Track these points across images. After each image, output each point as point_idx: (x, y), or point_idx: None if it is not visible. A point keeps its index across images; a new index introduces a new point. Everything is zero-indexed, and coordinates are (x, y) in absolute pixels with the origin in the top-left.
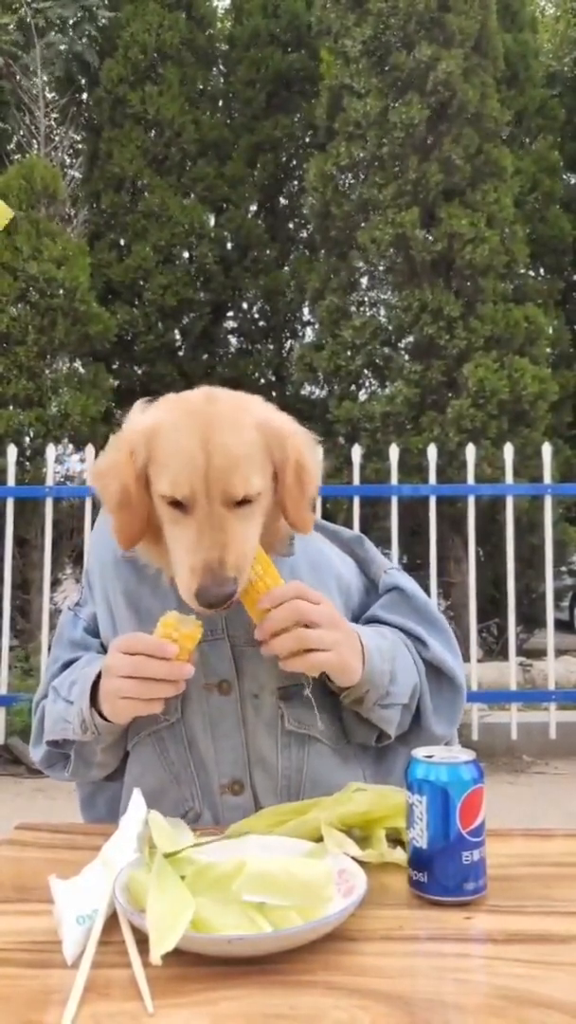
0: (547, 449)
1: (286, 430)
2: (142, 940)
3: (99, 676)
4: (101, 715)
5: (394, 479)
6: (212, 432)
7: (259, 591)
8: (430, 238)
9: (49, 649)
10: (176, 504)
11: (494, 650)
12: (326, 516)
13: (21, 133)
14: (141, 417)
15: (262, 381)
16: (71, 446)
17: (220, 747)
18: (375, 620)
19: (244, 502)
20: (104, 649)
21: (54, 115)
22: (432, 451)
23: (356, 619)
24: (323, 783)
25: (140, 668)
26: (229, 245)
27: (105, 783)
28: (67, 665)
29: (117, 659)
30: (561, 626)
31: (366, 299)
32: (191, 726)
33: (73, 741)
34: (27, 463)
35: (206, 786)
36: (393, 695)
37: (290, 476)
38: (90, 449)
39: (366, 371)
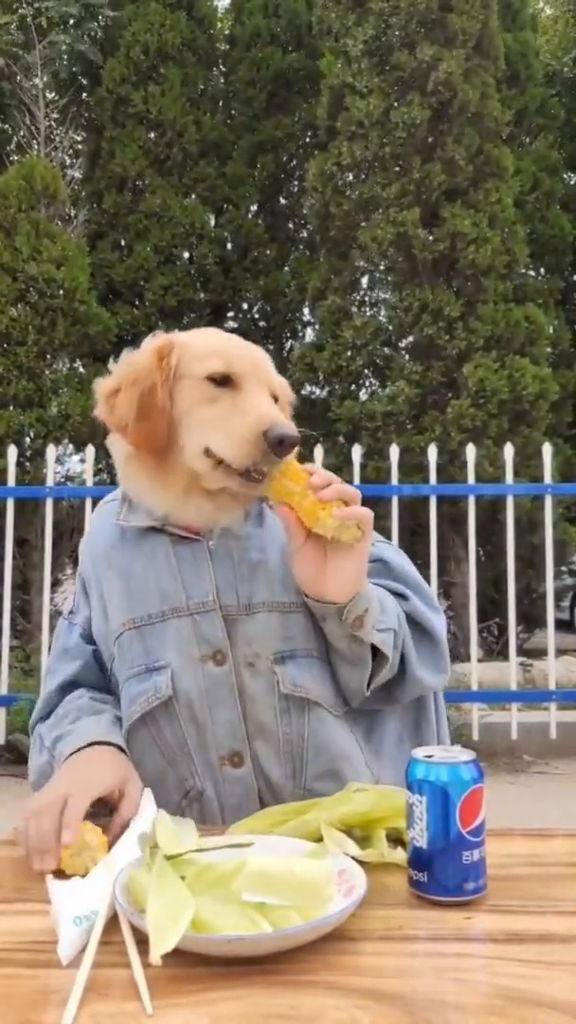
0: (547, 449)
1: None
2: (142, 940)
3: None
4: None
5: (394, 479)
6: (246, 345)
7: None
8: (431, 238)
9: (50, 650)
10: (222, 382)
11: (494, 650)
12: None
13: (21, 133)
14: (154, 340)
15: None
16: (71, 447)
17: (217, 719)
18: None
19: (274, 399)
20: (99, 660)
21: (54, 115)
22: (432, 451)
23: None
24: (326, 749)
25: (33, 850)
26: (229, 245)
27: None
28: (63, 688)
29: (39, 823)
30: (561, 626)
31: (367, 299)
32: (185, 701)
33: None
34: (27, 463)
35: (205, 761)
36: (385, 621)
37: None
38: (90, 449)
39: (367, 371)
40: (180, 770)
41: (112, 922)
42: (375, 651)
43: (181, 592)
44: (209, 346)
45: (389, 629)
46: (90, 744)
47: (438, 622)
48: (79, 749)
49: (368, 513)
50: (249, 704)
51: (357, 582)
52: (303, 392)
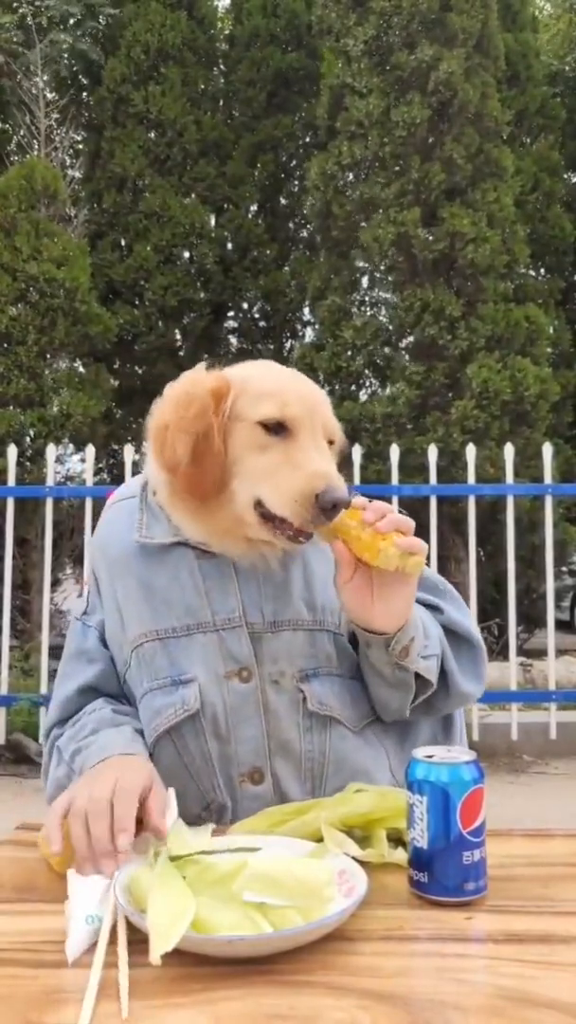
0: (548, 449)
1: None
2: (138, 941)
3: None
4: None
5: (395, 479)
6: (306, 383)
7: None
8: (431, 238)
9: (51, 649)
10: (276, 430)
11: (495, 650)
12: None
13: (22, 133)
14: (207, 375)
15: None
16: (71, 446)
17: (241, 736)
18: None
19: (330, 442)
20: (112, 662)
21: (55, 115)
22: (432, 451)
23: None
24: (346, 765)
25: (100, 852)
26: (230, 245)
27: None
28: (82, 692)
29: (97, 823)
30: (561, 626)
31: (367, 299)
32: (211, 716)
33: None
34: (27, 463)
35: (227, 777)
36: (430, 647)
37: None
38: (90, 449)
39: (367, 371)
40: (202, 784)
41: (118, 922)
42: (417, 675)
43: (207, 608)
44: (264, 387)
45: (433, 655)
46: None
47: (474, 627)
48: (103, 760)
49: (424, 543)
50: (273, 721)
51: (405, 613)
52: None
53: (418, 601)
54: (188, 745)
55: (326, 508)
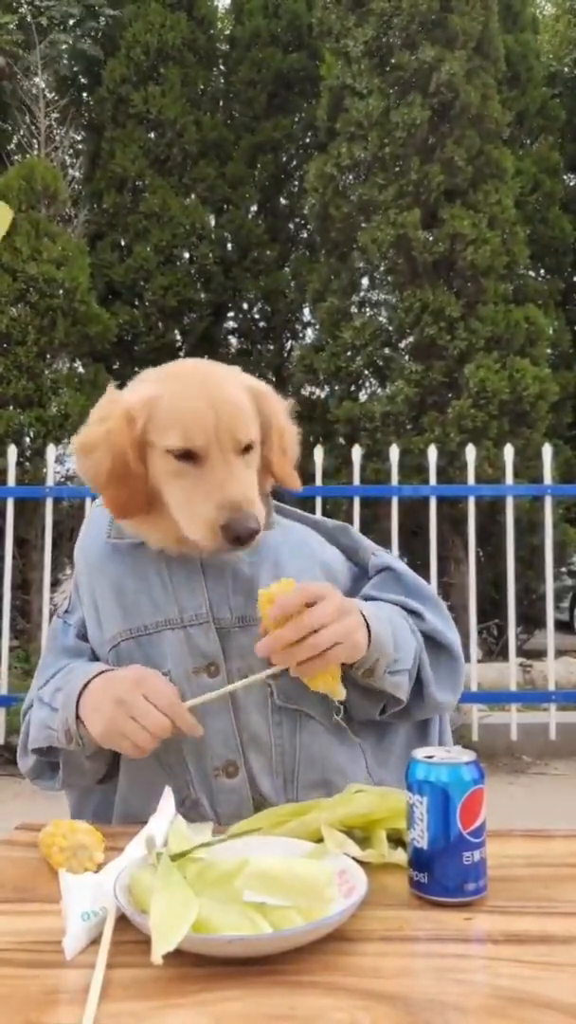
0: (547, 450)
1: (268, 393)
2: (138, 941)
3: (85, 685)
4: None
5: (394, 480)
6: (213, 388)
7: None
8: (431, 239)
9: None
10: (185, 457)
11: (494, 651)
12: (326, 516)
13: (22, 133)
14: (127, 392)
15: (263, 382)
16: (71, 447)
17: (211, 730)
18: (369, 599)
19: (246, 449)
20: (95, 655)
21: (55, 115)
22: (432, 452)
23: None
24: (319, 761)
25: (153, 725)
26: (229, 246)
27: (94, 790)
28: (57, 672)
29: (140, 706)
30: (561, 627)
31: (367, 300)
32: None
33: (58, 749)
34: (27, 463)
35: (200, 771)
36: (400, 661)
37: (275, 436)
38: None
39: (366, 372)
40: (176, 779)
41: (118, 921)
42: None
43: (174, 605)
44: (170, 414)
45: (403, 670)
46: (100, 674)
47: (455, 637)
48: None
49: (323, 641)
50: (243, 715)
51: (354, 654)
52: (303, 393)
53: (401, 606)
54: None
55: (231, 541)
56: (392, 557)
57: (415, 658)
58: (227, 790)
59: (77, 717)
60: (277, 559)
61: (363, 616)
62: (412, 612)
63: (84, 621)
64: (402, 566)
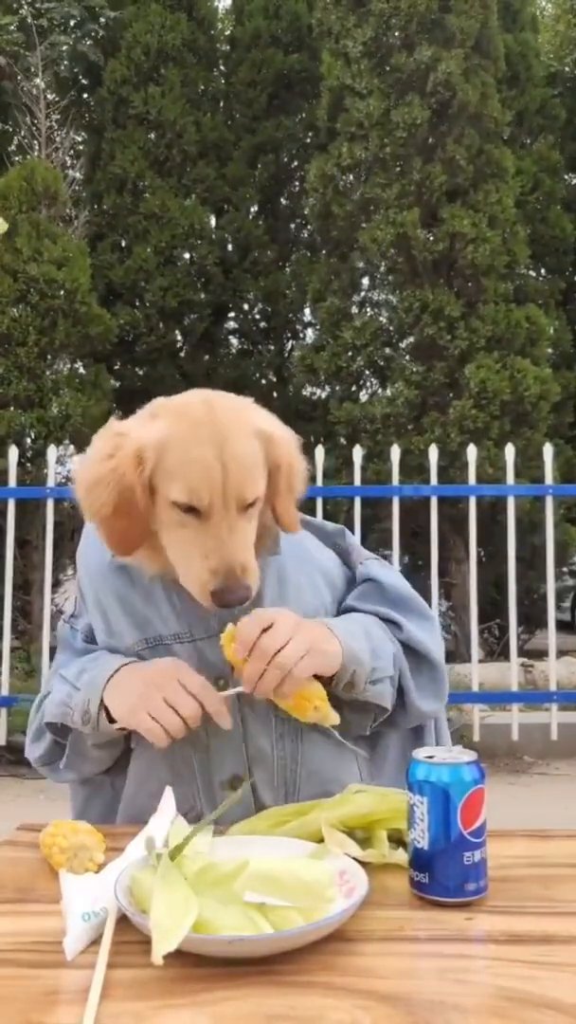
0: (548, 450)
1: (277, 435)
2: (138, 941)
3: (116, 671)
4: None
5: (395, 480)
6: (224, 442)
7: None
8: (431, 238)
9: (51, 651)
10: (189, 510)
11: (495, 651)
12: (327, 517)
13: (22, 134)
14: (137, 425)
15: (263, 382)
16: (72, 447)
17: (220, 744)
18: (349, 610)
19: (250, 504)
20: None
21: (55, 116)
22: (433, 452)
23: (340, 606)
24: (319, 773)
25: (185, 707)
26: (230, 246)
27: (98, 791)
28: None
29: (173, 688)
30: (562, 627)
31: (367, 300)
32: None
33: (69, 730)
34: (28, 464)
35: (207, 784)
36: (380, 669)
37: (282, 479)
38: None
39: (367, 372)
40: (183, 789)
41: (119, 922)
42: None
43: (184, 622)
44: (177, 465)
45: (385, 677)
46: (130, 662)
47: (435, 644)
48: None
49: (283, 665)
50: (250, 730)
51: (328, 663)
52: (303, 393)
53: (377, 616)
54: (173, 750)
55: (219, 605)
56: (379, 566)
57: (395, 665)
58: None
59: (101, 700)
60: (282, 571)
61: (330, 629)
62: (389, 621)
63: (90, 627)
64: (387, 576)
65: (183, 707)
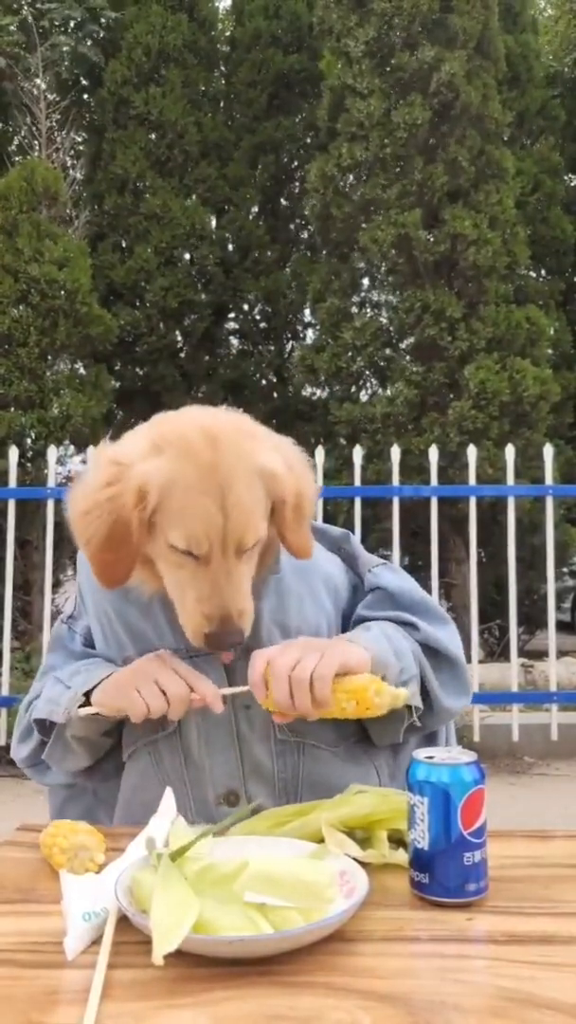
0: (548, 450)
1: (280, 472)
2: (139, 942)
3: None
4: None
5: (395, 480)
6: (228, 490)
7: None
8: (432, 239)
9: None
10: (187, 553)
11: (495, 651)
12: (327, 518)
13: (23, 135)
14: (141, 460)
15: (263, 382)
16: (72, 447)
17: (215, 759)
18: (361, 620)
19: (250, 547)
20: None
21: (56, 116)
22: (433, 452)
23: (346, 618)
24: (323, 785)
25: (172, 685)
26: (230, 246)
27: (79, 795)
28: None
29: (165, 671)
30: (563, 627)
31: (367, 300)
32: (187, 738)
33: (54, 727)
34: (28, 464)
35: (201, 798)
36: (406, 669)
37: (289, 512)
38: (91, 450)
39: (367, 372)
40: (178, 802)
41: (119, 922)
42: None
43: (180, 637)
44: (179, 511)
45: (412, 677)
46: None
47: (453, 642)
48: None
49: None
50: (246, 746)
51: (357, 663)
52: (304, 393)
53: (393, 620)
54: (164, 761)
55: (213, 648)
56: (389, 573)
57: (417, 662)
58: (225, 817)
59: (87, 695)
60: (280, 583)
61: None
62: (405, 624)
63: (89, 629)
64: (397, 583)
65: (171, 687)
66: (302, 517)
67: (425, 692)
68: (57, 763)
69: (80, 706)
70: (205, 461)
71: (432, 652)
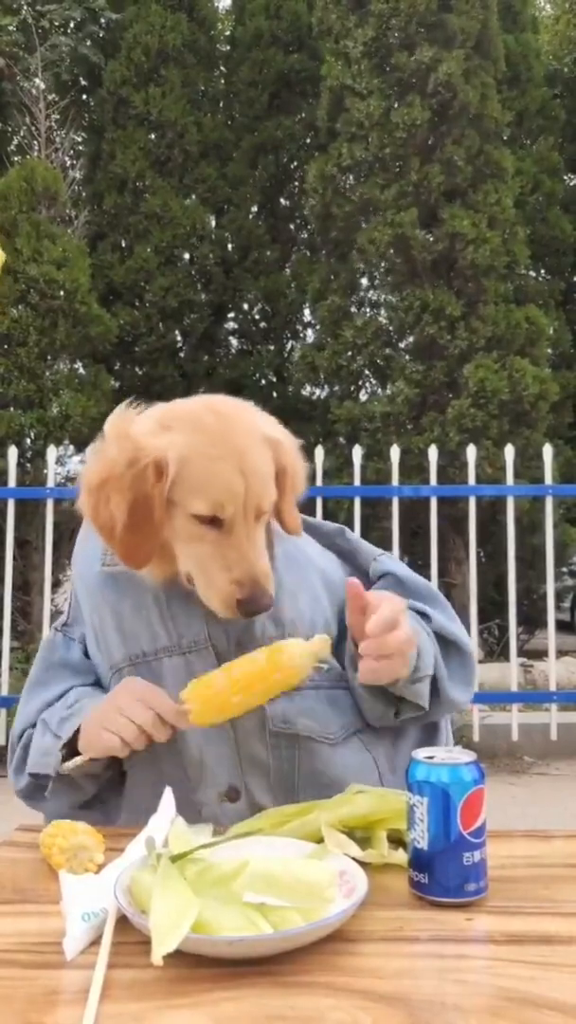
0: (548, 450)
1: (283, 440)
2: (139, 942)
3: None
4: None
5: (395, 480)
6: (243, 454)
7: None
8: (431, 239)
9: None
10: (209, 522)
11: (495, 651)
12: (327, 517)
13: (22, 134)
14: (152, 438)
15: (263, 382)
16: (72, 447)
17: (213, 756)
18: None
19: (264, 512)
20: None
21: (55, 116)
22: (433, 452)
23: (342, 612)
24: (316, 778)
25: (148, 723)
26: (230, 246)
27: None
28: (61, 695)
29: (127, 701)
30: (562, 627)
31: (367, 300)
32: (185, 737)
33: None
34: (28, 464)
35: (204, 796)
36: (421, 669)
37: (287, 482)
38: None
39: (367, 371)
40: (177, 803)
41: (119, 922)
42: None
43: (173, 632)
44: (200, 479)
45: (424, 676)
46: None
47: (462, 632)
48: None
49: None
50: (243, 740)
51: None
52: (303, 393)
53: (409, 608)
54: (163, 763)
55: (245, 615)
56: (392, 561)
57: (435, 664)
58: (231, 814)
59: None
60: (275, 572)
61: None
62: (419, 613)
63: (85, 637)
64: (403, 569)
65: (137, 715)
66: (295, 491)
67: (434, 682)
68: (61, 799)
69: (68, 755)
70: (217, 430)
71: (443, 641)
